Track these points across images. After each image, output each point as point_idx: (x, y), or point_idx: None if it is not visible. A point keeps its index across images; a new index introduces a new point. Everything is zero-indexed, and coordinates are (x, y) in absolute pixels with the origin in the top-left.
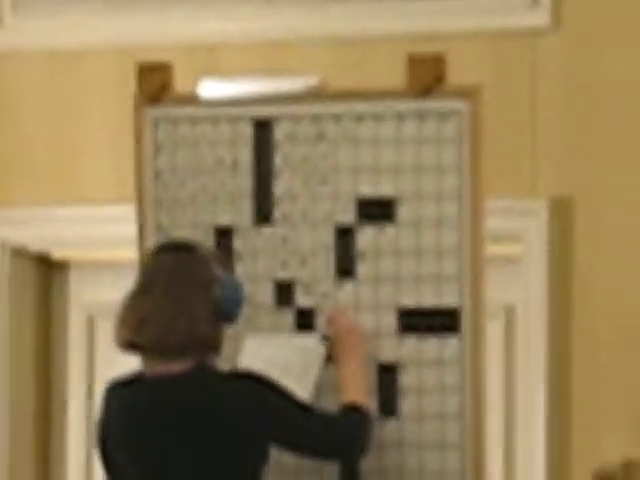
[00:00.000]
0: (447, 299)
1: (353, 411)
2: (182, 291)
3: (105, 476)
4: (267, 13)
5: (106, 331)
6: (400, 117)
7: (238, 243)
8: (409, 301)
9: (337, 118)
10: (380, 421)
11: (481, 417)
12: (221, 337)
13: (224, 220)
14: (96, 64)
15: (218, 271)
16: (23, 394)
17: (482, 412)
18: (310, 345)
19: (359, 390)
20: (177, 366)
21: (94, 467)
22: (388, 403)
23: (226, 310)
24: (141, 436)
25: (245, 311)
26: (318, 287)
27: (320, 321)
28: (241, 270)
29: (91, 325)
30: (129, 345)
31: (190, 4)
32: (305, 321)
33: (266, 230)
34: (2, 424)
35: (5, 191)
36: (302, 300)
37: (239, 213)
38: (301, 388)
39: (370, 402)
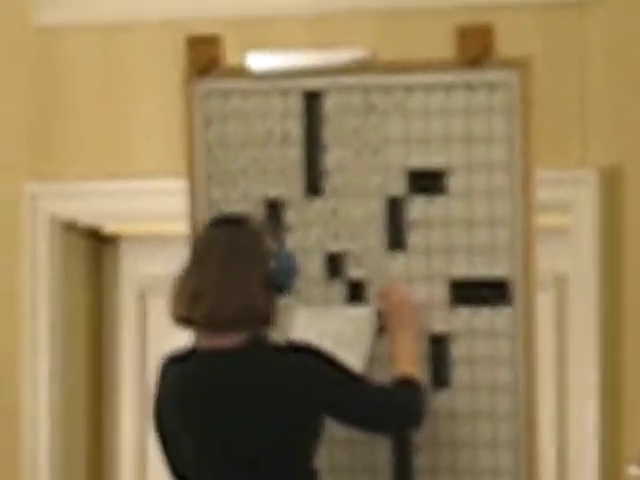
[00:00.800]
0: (498, 270)
1: (406, 383)
2: (235, 265)
3: (160, 448)
4: None
5: (157, 305)
6: (449, 88)
7: (289, 215)
8: (460, 272)
9: (387, 90)
10: (432, 392)
11: (533, 388)
12: (274, 309)
13: (275, 193)
14: (147, 37)
15: (271, 244)
16: (76, 367)
17: (534, 383)
18: (362, 316)
19: (412, 362)
20: (231, 339)
21: (147, 439)
22: (440, 374)
23: (279, 282)
24: (196, 409)
25: (297, 283)
26: (369, 259)
27: (371, 293)
28: (292, 242)
29: (142, 299)
30: (183, 320)
31: None
32: (356, 293)
33: (317, 202)
34: (55, 398)
35: (56, 166)
36: (353, 272)
37: (290, 186)
38: (354, 359)
39: (422, 374)
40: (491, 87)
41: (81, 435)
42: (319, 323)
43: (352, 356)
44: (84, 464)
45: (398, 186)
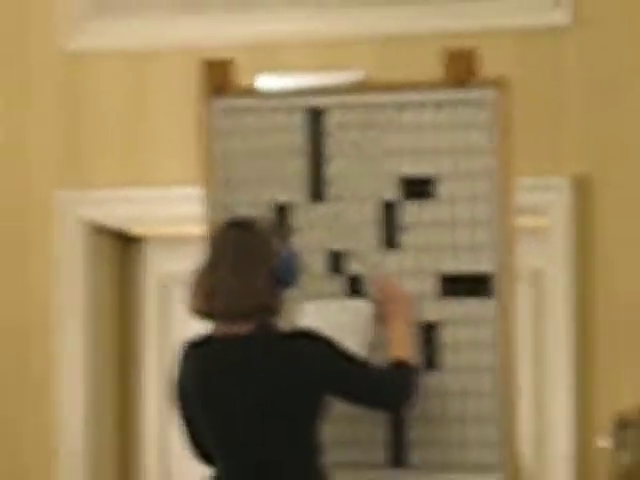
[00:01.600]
0: (482, 266)
1: (401, 366)
2: (245, 265)
3: (180, 423)
4: (318, 16)
5: (178, 298)
6: (438, 105)
7: (295, 218)
8: (448, 268)
9: (382, 107)
10: (424, 373)
11: (513, 369)
12: (280, 302)
13: (283, 198)
14: (168, 61)
15: (277, 245)
16: (105, 352)
17: (514, 365)
18: (361, 307)
19: (405, 347)
20: (242, 327)
21: (167, 415)
22: (431, 357)
23: (284, 279)
24: (213, 385)
25: (302, 279)
26: (366, 257)
27: (369, 287)
28: (297, 242)
29: (164, 293)
30: (202, 313)
31: (250, 7)
32: (355, 287)
33: (320, 207)
34: (87, 383)
35: (87, 175)
36: (352, 268)
37: (296, 192)
38: (355, 345)
39: (415, 357)
40: (475, 104)
41: (111, 416)
42: (323, 314)
43: (353, 342)
44: (112, 431)
45: (392, 192)
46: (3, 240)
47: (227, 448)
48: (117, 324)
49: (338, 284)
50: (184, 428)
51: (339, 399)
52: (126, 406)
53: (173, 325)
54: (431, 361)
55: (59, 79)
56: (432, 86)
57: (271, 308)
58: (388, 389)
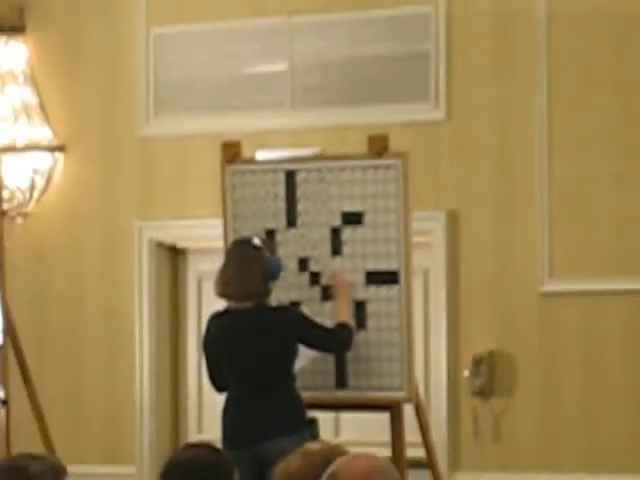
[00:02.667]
0: (392, 265)
1: (344, 326)
2: (247, 266)
3: (207, 366)
4: (291, 115)
5: (208, 288)
6: (364, 168)
7: (278, 238)
8: (371, 267)
9: (330, 169)
10: (357, 331)
11: (411, 329)
12: (270, 289)
13: (270, 225)
14: (203, 142)
15: (267, 254)
16: (163, 326)
17: (411, 326)
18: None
19: (346, 314)
20: (246, 304)
21: (203, 368)
22: (361, 321)
23: (271, 275)
24: (228, 342)
25: (283, 275)
26: (322, 260)
27: (323, 279)
28: (280, 252)
29: (200, 285)
30: (221, 295)
31: (251, 111)
32: (315, 279)
33: (293, 230)
34: (152, 350)
35: (154, 211)
36: (314, 268)
37: (278, 222)
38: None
39: (352, 321)
40: (387, 167)
41: (166, 374)
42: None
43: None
44: (168, 384)
45: (337, 222)
46: (101, 253)
47: (237, 377)
48: (171, 306)
49: (305, 278)
50: (209, 369)
51: (306, 345)
52: (176, 364)
53: (205, 305)
54: (361, 323)
55: (136, 154)
56: (361, 156)
57: (264, 293)
58: (336, 340)
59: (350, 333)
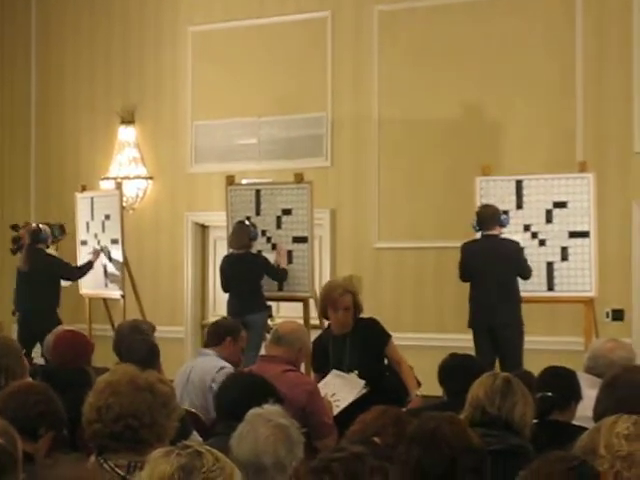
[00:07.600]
0: (305, 233)
1: (283, 271)
2: (241, 233)
3: (221, 284)
4: (259, 164)
5: (220, 245)
6: (291, 189)
7: (252, 220)
8: (296, 235)
9: (276, 189)
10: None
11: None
12: (252, 244)
13: (249, 214)
14: (214, 178)
15: (250, 227)
16: (197, 265)
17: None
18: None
19: (284, 263)
20: (240, 251)
21: (217, 284)
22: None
23: (253, 238)
24: (231, 270)
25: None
26: (272, 231)
27: (272, 240)
28: (255, 227)
29: (215, 244)
30: (229, 246)
31: (240, 162)
32: (269, 240)
33: (259, 217)
34: (193, 275)
35: (193, 206)
36: (268, 235)
37: (252, 212)
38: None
39: (287, 268)
40: (303, 189)
41: (199, 282)
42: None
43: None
44: (200, 288)
45: (279, 213)
46: (170, 228)
47: (233, 287)
48: (202, 254)
49: (264, 240)
50: (221, 282)
51: (266, 274)
52: (203, 281)
53: (218, 254)
54: (290, 261)
55: (186, 185)
56: (290, 183)
57: (249, 246)
58: (280, 275)
59: (285, 274)
